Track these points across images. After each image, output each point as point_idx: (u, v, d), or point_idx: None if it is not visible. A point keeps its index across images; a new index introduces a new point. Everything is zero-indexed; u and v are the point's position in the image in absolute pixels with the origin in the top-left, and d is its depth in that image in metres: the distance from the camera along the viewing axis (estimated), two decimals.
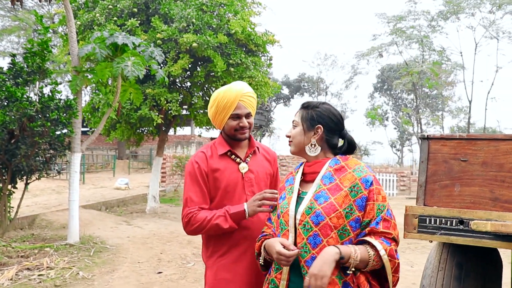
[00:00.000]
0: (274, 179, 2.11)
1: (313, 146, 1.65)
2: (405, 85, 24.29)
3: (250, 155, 2.02)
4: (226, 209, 1.85)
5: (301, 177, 1.68)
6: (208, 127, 10.73)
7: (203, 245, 2.02)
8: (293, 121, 1.72)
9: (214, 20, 8.74)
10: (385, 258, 1.46)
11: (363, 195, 1.52)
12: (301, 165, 1.73)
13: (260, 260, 1.71)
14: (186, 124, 16.22)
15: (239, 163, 1.97)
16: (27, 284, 4.36)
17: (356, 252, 1.44)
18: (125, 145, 13.95)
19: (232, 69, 8.61)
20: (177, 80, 9.41)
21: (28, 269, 4.81)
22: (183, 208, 1.92)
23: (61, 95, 6.16)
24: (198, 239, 3.62)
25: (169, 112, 8.79)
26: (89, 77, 6.60)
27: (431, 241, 2.01)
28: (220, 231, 1.85)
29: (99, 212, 9.36)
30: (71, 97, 6.39)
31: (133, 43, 5.96)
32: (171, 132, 10.90)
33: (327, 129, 1.65)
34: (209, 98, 8.94)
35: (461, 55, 25.04)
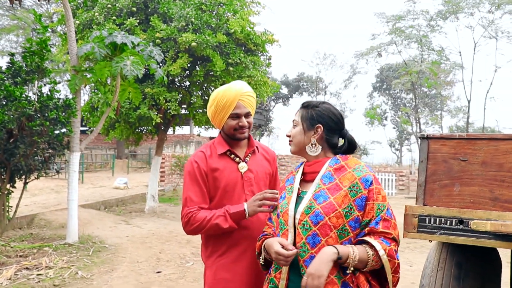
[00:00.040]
0: (273, 178, 2.11)
1: (313, 145, 1.65)
2: (404, 84, 24.27)
3: (250, 155, 2.02)
4: (226, 209, 1.85)
5: (301, 177, 1.68)
6: (207, 127, 10.72)
7: (202, 244, 2.01)
8: (293, 121, 1.72)
9: (213, 19, 8.73)
10: (384, 258, 1.46)
11: (362, 195, 1.51)
12: (301, 164, 1.72)
13: (261, 259, 1.71)
14: (185, 124, 16.19)
15: (238, 163, 1.97)
16: (26, 284, 4.34)
17: (355, 252, 1.44)
18: (124, 144, 13.91)
19: (231, 68, 8.60)
20: (176, 80, 9.40)
21: (27, 268, 4.80)
22: (182, 208, 1.92)
23: (60, 95, 6.15)
24: (197, 238, 3.61)
25: (168, 111, 8.79)
26: (88, 76, 6.59)
27: (431, 241, 2.01)
28: (219, 231, 1.85)
29: (98, 211, 9.35)
30: (70, 96, 6.38)
31: (132, 43, 5.95)
32: (170, 131, 10.87)
33: (327, 128, 1.64)
34: (208, 97, 8.95)
35: (460, 55, 25.27)
